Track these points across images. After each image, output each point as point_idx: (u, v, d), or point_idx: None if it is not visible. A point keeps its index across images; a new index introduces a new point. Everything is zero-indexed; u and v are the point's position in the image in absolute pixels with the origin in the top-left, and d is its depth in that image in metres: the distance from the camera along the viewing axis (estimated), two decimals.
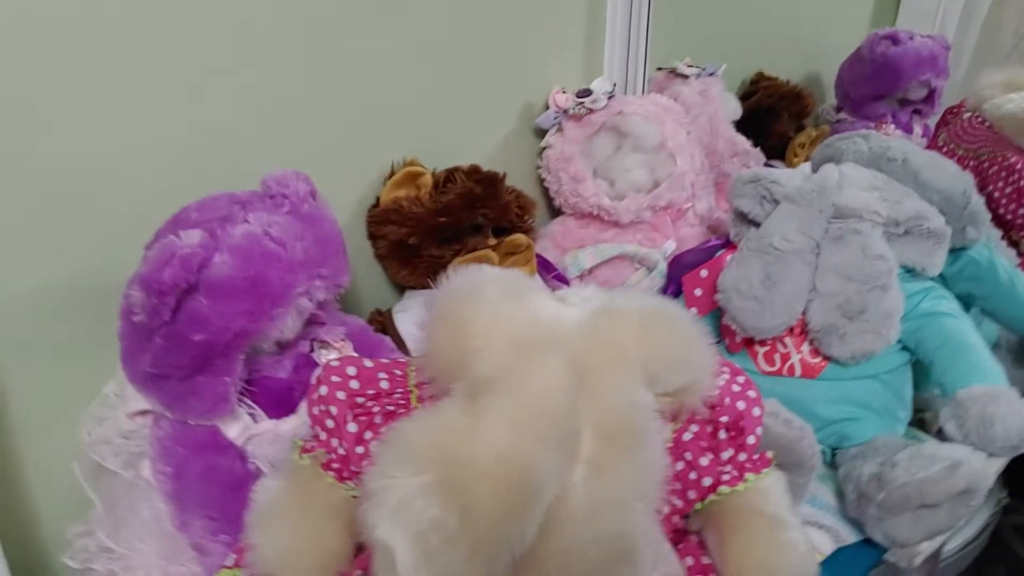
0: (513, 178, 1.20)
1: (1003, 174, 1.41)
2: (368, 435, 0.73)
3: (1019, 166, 1.39)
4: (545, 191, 1.40)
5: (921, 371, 1.04)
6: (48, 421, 0.91)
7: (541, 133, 1.37)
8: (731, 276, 1.02)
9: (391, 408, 0.74)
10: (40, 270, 0.87)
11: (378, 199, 1.13)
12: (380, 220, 1.10)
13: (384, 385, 0.75)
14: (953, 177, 1.09)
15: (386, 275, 1.20)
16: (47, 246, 0.86)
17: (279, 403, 0.86)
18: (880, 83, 1.79)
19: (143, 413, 0.83)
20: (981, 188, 1.42)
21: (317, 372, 0.77)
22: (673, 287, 1.23)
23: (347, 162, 1.13)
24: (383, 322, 1.11)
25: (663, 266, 1.27)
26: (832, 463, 1.02)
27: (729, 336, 1.06)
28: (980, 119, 1.49)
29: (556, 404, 0.63)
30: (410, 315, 1.10)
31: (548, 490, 0.60)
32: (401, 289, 1.21)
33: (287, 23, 0.99)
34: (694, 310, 1.12)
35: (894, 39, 1.77)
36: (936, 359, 0.99)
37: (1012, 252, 1.34)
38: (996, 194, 1.42)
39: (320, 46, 1.04)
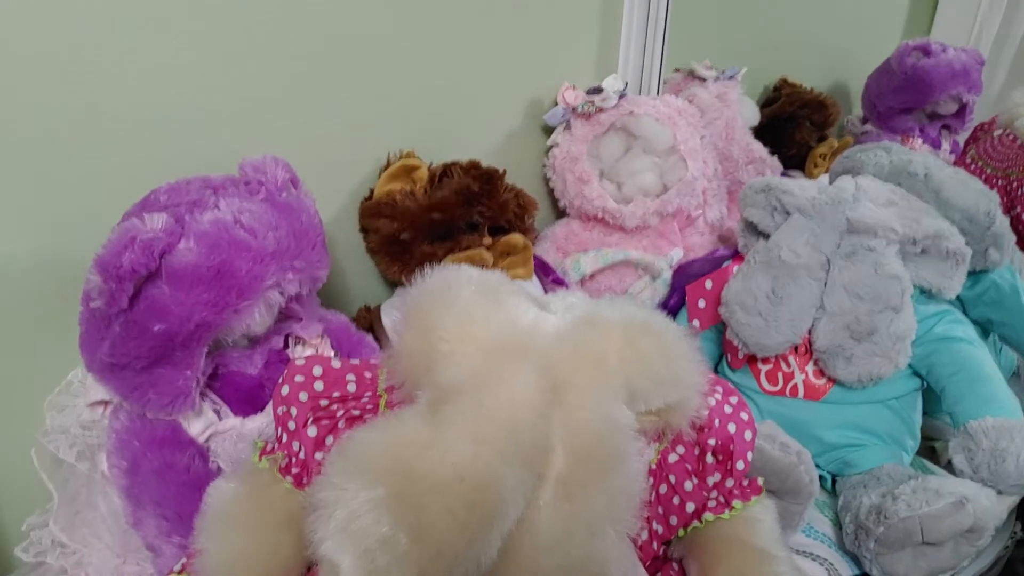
0: (518, 176, 1.16)
1: None
2: (330, 440, 0.69)
3: None
4: (550, 191, 1.35)
5: (933, 397, 0.98)
6: (13, 405, 0.88)
7: (549, 130, 1.32)
8: (736, 289, 0.98)
9: (356, 413, 0.70)
10: (5, 247, 0.83)
11: (372, 191, 1.08)
12: (372, 213, 1.06)
13: (351, 388, 0.71)
14: (977, 195, 1.03)
15: (377, 270, 1.15)
16: (13, 222, 0.83)
17: (247, 400, 0.82)
18: (909, 96, 1.73)
19: (103, 403, 0.79)
20: (1009, 208, 1.38)
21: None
22: (677, 297, 1.18)
23: (344, 151, 1.09)
24: (370, 318, 1.06)
25: (668, 275, 1.21)
26: (833, 490, 0.96)
27: (731, 352, 1.01)
28: (1012, 137, 1.44)
29: (524, 418, 0.58)
30: (398, 313, 1.05)
31: (510, 511, 0.56)
32: (393, 285, 1.17)
33: (285, 3, 0.95)
34: (695, 323, 1.08)
35: (926, 51, 1.71)
36: (948, 387, 0.93)
37: None
38: None
39: (321, 29, 1.00)
